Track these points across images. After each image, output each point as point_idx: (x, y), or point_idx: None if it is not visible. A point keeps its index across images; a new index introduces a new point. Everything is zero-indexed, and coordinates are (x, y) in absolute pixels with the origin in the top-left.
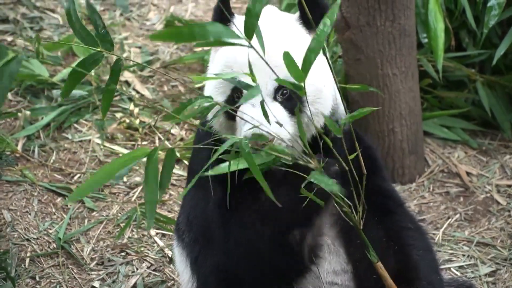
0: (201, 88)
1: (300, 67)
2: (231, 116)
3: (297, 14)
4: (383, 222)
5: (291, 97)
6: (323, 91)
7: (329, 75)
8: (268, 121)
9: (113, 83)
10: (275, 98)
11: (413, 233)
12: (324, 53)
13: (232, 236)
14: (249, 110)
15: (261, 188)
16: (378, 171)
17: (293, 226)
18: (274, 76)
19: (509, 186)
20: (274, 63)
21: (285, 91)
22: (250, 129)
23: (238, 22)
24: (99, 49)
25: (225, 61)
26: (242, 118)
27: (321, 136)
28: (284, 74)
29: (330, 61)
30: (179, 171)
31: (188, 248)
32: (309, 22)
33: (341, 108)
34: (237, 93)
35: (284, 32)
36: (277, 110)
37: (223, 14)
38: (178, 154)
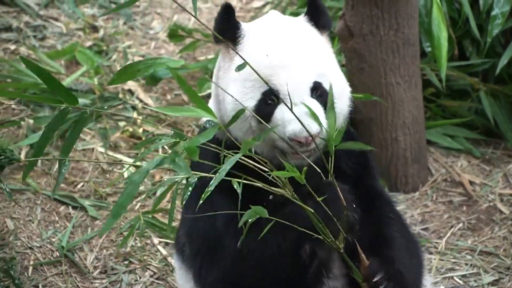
0: (204, 97)
1: (323, 65)
2: (264, 120)
3: (302, 16)
4: (370, 216)
5: (323, 94)
6: (345, 88)
7: (340, 71)
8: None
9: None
10: (311, 96)
11: (396, 223)
12: None
13: (242, 247)
14: (293, 109)
15: (271, 200)
16: (371, 171)
17: (305, 240)
18: (308, 75)
19: None
20: (303, 63)
21: (317, 91)
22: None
23: (247, 28)
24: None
25: (252, 65)
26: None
27: None
28: (315, 74)
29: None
30: None
31: (189, 261)
32: (318, 23)
33: None
34: (270, 96)
35: (302, 34)
36: (316, 107)
37: (229, 23)
38: None
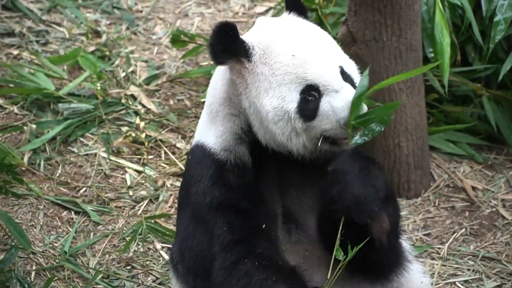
0: None
1: (337, 49)
2: (310, 117)
3: (287, 15)
4: None
5: (347, 78)
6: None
7: None
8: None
9: None
10: (343, 80)
11: None
12: None
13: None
14: (337, 96)
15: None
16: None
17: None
18: (336, 62)
19: None
20: (326, 51)
21: (344, 75)
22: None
23: (250, 41)
24: None
25: (284, 71)
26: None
27: None
28: (337, 60)
29: None
30: None
31: (183, 279)
32: (306, 16)
33: None
34: (310, 91)
35: (306, 27)
36: (351, 89)
37: (237, 40)
38: (183, 168)
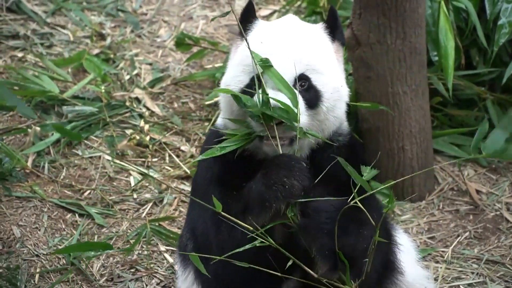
0: (211, 105)
1: (317, 62)
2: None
3: (320, 24)
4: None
5: (310, 89)
6: (340, 90)
7: (344, 81)
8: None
9: None
10: (294, 87)
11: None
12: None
13: (224, 246)
14: (269, 92)
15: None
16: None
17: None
18: (294, 65)
19: None
20: (291, 54)
21: (304, 83)
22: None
23: (260, 24)
24: None
25: (247, 54)
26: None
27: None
28: (304, 67)
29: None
30: (188, 188)
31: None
32: (334, 33)
33: (345, 124)
34: (255, 81)
35: (304, 33)
36: (284, 97)
37: (245, 18)
38: (188, 171)
